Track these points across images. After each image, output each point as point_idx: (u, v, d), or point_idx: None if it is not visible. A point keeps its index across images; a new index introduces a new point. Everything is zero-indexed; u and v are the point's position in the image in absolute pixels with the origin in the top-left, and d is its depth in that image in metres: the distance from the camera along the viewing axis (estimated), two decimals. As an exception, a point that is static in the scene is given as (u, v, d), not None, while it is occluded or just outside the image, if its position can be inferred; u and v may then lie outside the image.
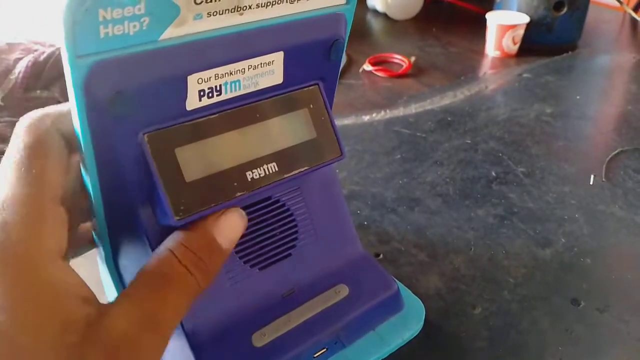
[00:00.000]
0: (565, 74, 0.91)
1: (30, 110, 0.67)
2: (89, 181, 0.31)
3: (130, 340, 0.25)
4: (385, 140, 0.69)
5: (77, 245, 0.35)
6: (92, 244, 0.37)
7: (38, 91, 0.66)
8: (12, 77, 0.64)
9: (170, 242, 0.29)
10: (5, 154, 0.27)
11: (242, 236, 0.36)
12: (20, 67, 0.64)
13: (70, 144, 0.29)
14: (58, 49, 0.67)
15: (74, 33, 0.23)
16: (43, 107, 0.67)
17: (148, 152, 0.29)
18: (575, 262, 0.49)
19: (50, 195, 0.27)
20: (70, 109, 0.28)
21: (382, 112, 0.76)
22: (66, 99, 0.68)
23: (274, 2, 0.30)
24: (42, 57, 0.65)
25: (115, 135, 0.28)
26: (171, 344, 0.35)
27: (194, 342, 0.34)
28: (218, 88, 0.30)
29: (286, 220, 0.39)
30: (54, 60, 0.65)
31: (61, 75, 0.66)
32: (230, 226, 0.31)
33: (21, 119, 0.29)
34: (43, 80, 0.65)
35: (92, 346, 0.24)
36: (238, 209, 0.31)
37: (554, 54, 0.99)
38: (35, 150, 0.27)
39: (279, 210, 0.38)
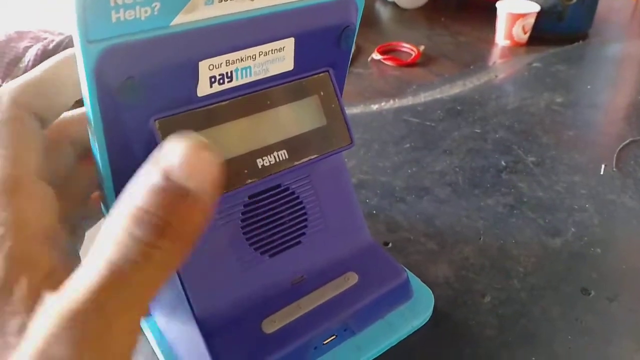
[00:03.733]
0: (576, 63, 0.90)
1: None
2: (101, 167, 0.31)
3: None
4: (394, 129, 0.69)
5: (89, 216, 0.34)
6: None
7: (47, 79, 0.66)
8: (22, 65, 0.64)
9: (123, 208, 0.20)
10: None
11: (253, 223, 0.37)
12: (30, 56, 0.64)
13: (44, 121, 0.28)
14: (67, 37, 0.67)
15: (86, 18, 0.23)
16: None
17: (159, 138, 0.29)
18: (585, 252, 0.49)
19: (24, 171, 0.25)
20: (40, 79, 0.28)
21: (391, 101, 0.76)
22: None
23: (285, -12, 0.29)
24: (51, 46, 0.65)
25: (126, 121, 0.28)
26: (182, 330, 0.36)
27: (204, 329, 0.34)
28: (229, 74, 0.30)
29: (296, 208, 0.39)
30: (63, 49, 0.65)
31: (70, 64, 0.66)
32: (200, 163, 0.20)
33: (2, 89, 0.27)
34: (52, 68, 0.65)
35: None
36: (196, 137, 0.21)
37: (564, 43, 0.98)
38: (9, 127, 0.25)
39: (288, 198, 0.38)
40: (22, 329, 0.20)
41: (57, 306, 0.19)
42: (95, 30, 0.24)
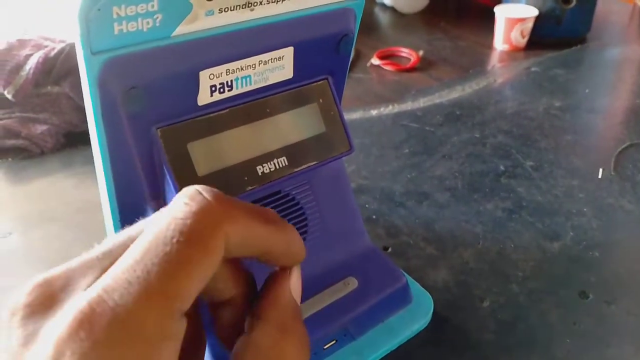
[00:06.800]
0: (574, 67, 0.91)
1: (41, 106, 0.66)
2: (102, 176, 0.31)
3: None
4: (393, 135, 0.69)
5: None
6: None
7: (49, 87, 0.66)
8: (23, 73, 0.65)
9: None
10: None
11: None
12: (31, 64, 0.65)
13: None
14: (68, 44, 0.67)
15: (89, 30, 0.24)
16: (54, 103, 0.67)
17: (161, 146, 0.29)
18: (584, 256, 0.49)
19: None
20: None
21: (390, 106, 0.77)
22: (76, 94, 0.68)
23: (284, -2, 0.30)
24: (52, 53, 0.66)
25: (128, 129, 0.29)
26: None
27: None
28: (229, 83, 0.31)
29: (296, 214, 0.39)
30: (64, 56, 0.66)
31: (72, 71, 0.66)
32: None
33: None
34: (54, 76, 0.66)
35: None
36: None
37: (562, 47, 0.98)
38: None
39: (288, 204, 0.38)
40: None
41: None
42: (98, 42, 0.25)
